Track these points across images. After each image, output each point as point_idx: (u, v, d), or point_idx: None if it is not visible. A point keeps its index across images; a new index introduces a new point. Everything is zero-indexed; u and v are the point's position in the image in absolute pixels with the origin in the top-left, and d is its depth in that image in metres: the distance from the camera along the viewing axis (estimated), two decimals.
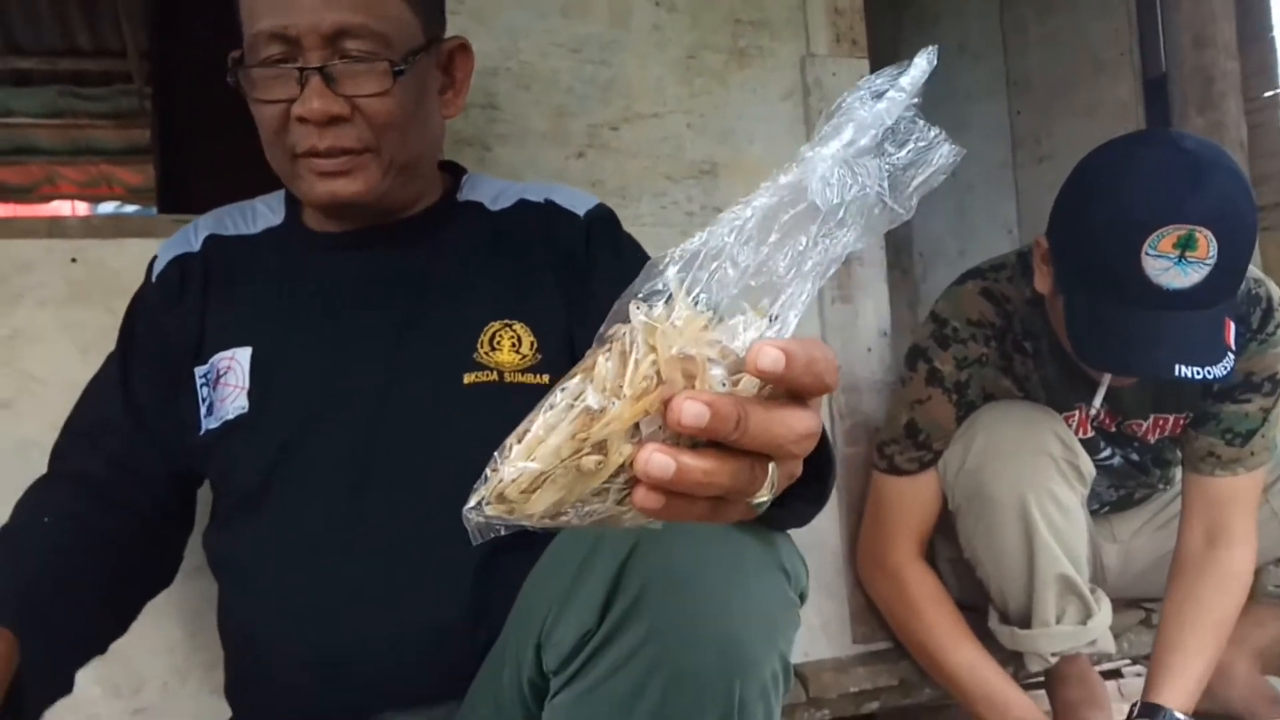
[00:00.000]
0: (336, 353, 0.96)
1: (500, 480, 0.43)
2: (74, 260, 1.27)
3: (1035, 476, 1.33)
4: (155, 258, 1.04)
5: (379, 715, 0.92)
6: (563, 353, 0.97)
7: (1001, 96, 2.62)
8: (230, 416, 0.95)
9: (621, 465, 0.43)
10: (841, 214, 0.45)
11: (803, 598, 0.76)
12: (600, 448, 0.42)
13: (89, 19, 3.61)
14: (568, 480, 0.43)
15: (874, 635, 1.55)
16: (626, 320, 0.45)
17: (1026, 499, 1.33)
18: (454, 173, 1.12)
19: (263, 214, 1.07)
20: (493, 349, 0.95)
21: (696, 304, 0.45)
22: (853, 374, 1.62)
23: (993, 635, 1.42)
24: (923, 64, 0.49)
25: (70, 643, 0.86)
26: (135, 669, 1.25)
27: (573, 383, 0.44)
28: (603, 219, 1.06)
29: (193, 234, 1.04)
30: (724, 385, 0.42)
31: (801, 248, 0.45)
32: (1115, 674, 1.89)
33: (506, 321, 0.96)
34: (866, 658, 1.54)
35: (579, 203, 1.07)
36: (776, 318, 0.44)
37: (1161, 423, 1.45)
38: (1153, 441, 1.48)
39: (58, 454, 0.97)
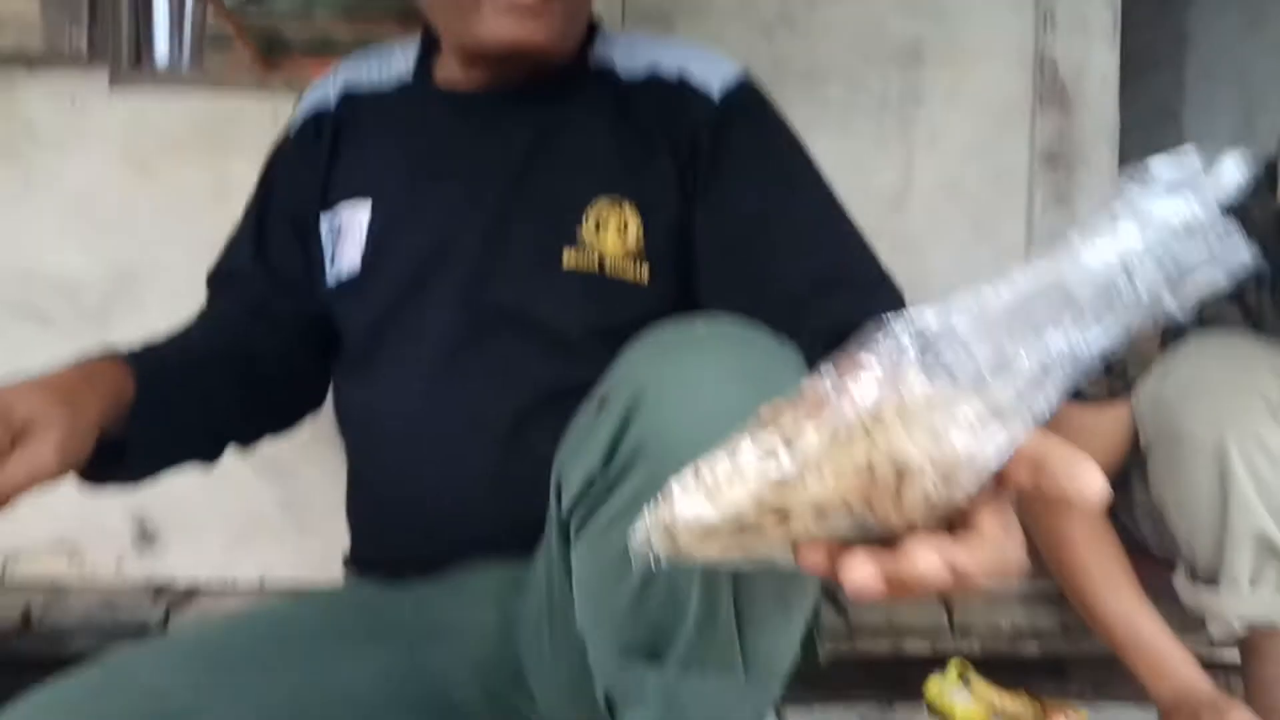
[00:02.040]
0: (444, 218, 0.98)
1: (673, 518, 0.43)
2: (274, 115, 1.39)
3: (1242, 416, 1.13)
4: (296, 108, 1.10)
5: (473, 561, 0.97)
6: (671, 246, 0.93)
7: None
8: (344, 277, 1.01)
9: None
10: (1110, 316, 0.42)
11: None
12: (782, 514, 0.41)
13: None
14: (743, 537, 0.42)
15: (1043, 572, 1.41)
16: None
17: (1226, 441, 1.13)
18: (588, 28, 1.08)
19: (398, 62, 1.08)
20: (598, 230, 0.93)
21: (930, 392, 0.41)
22: None
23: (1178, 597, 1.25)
24: (1234, 174, 0.43)
25: (179, 420, 0.91)
26: (305, 490, 1.40)
27: (768, 434, 0.42)
28: (741, 100, 0.98)
29: (331, 86, 1.08)
30: (933, 486, 0.39)
31: (1052, 346, 0.41)
32: None
33: (615, 198, 0.94)
34: (1027, 596, 1.41)
35: (715, 78, 0.98)
36: (1005, 418, 0.40)
37: None
38: None
39: (207, 299, 1.06)
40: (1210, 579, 1.20)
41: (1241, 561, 1.16)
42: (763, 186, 0.93)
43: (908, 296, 1.43)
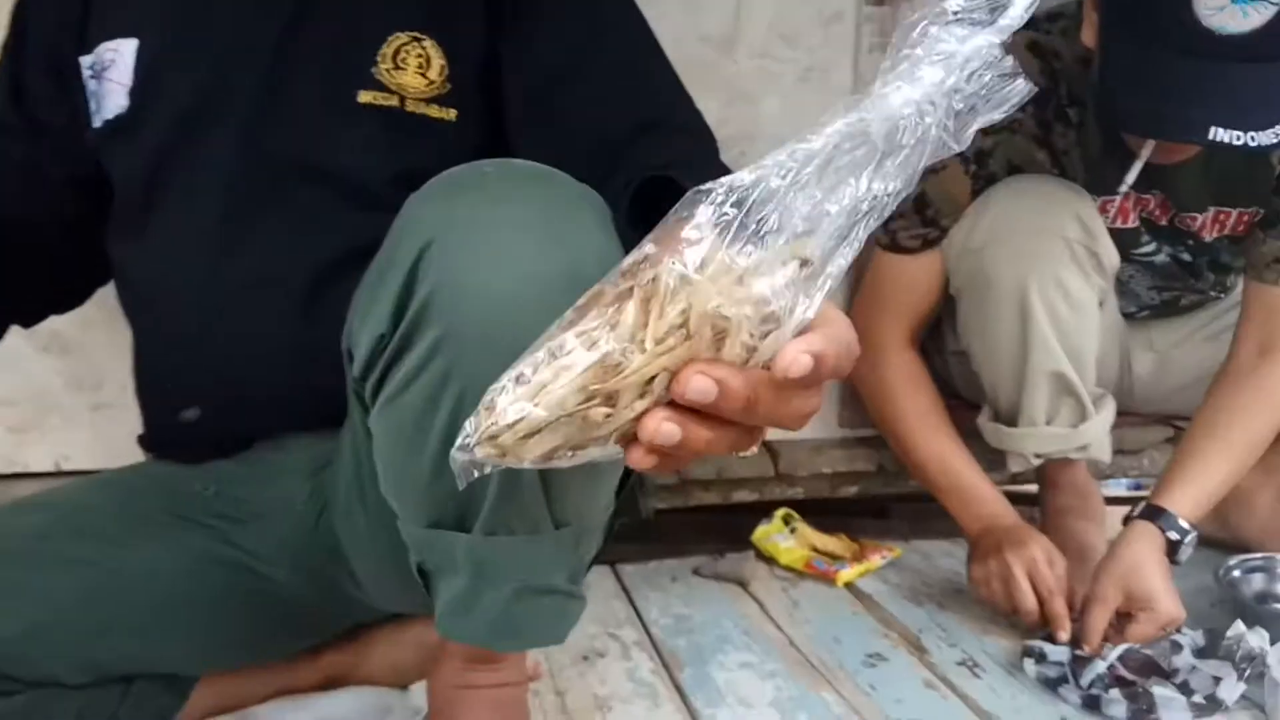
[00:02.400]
0: (222, 50, 0.87)
1: (495, 423, 0.42)
2: None
3: (1043, 260, 1.18)
4: None
5: (277, 436, 0.91)
6: (479, 84, 0.86)
7: None
8: (110, 116, 0.89)
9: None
10: (902, 156, 0.42)
11: None
12: (609, 399, 0.41)
13: None
14: (569, 429, 0.41)
15: (861, 421, 1.46)
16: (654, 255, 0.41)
17: (1028, 284, 1.18)
18: None
19: None
20: (397, 67, 0.85)
21: (737, 250, 0.41)
22: None
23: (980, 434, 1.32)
24: (1020, 9, 0.43)
25: None
26: (97, 366, 1.28)
27: (587, 325, 0.41)
28: None
29: None
30: (751, 336, 0.40)
31: (857, 192, 0.42)
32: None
33: (415, 35, 0.85)
34: (848, 441, 1.46)
35: None
36: (814, 266, 0.41)
37: (1223, 218, 1.26)
38: (1209, 240, 1.28)
39: None
40: (1011, 420, 1.27)
41: (1039, 400, 1.23)
42: (574, 25, 0.86)
43: (738, 145, 1.42)
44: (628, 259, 0.42)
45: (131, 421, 0.98)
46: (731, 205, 0.41)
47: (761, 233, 0.41)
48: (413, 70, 0.85)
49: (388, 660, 1.06)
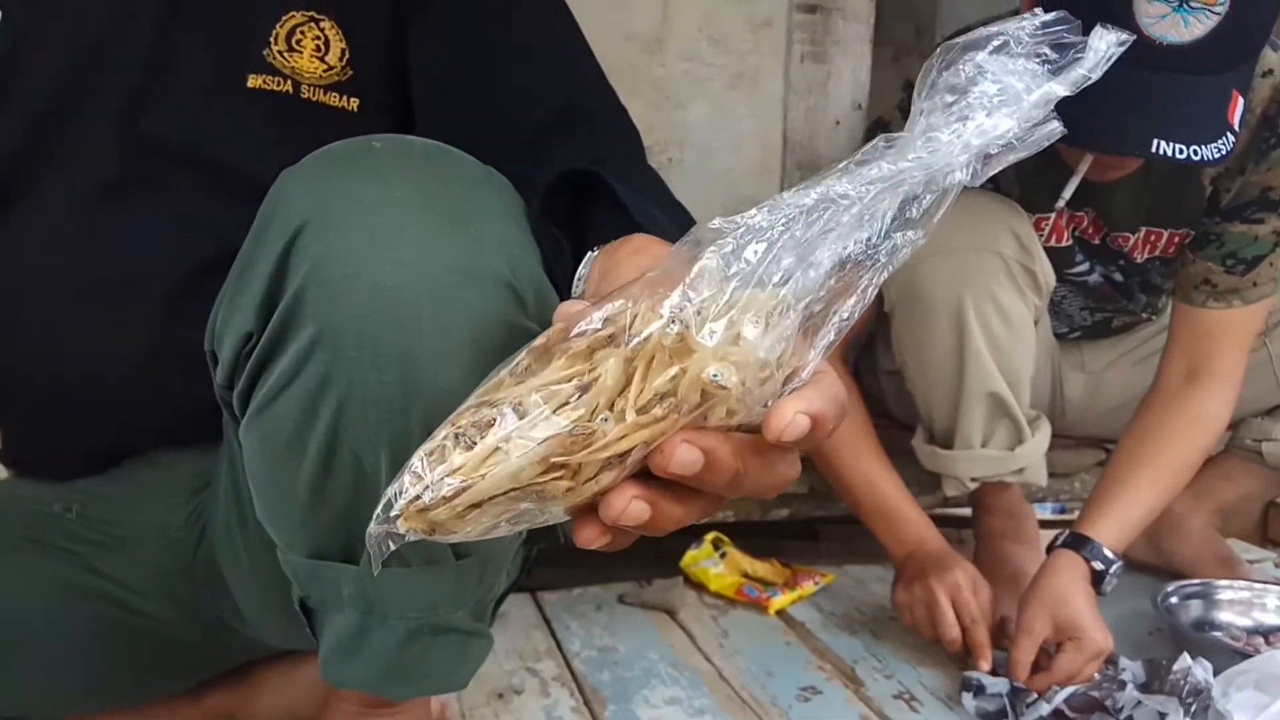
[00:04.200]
0: (94, 27, 0.78)
1: (425, 495, 0.35)
2: None
3: (978, 277, 1.14)
4: None
5: (150, 452, 0.82)
6: (382, 69, 0.78)
7: None
8: None
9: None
10: (928, 201, 0.38)
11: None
12: (573, 471, 0.35)
13: None
14: (519, 503, 0.36)
15: None
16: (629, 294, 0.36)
17: (964, 301, 1.14)
18: None
19: None
20: (290, 49, 0.77)
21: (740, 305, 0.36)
22: (814, 150, 1.42)
23: (915, 456, 1.28)
24: (1103, 49, 0.38)
25: None
26: None
27: (551, 379, 0.35)
28: None
29: None
30: (737, 402, 0.35)
31: (877, 240, 0.37)
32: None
33: (312, 15, 0.77)
34: None
35: None
36: (815, 320, 0.36)
37: (1154, 238, 1.24)
38: (1140, 260, 1.27)
39: None
40: (946, 442, 1.23)
41: (974, 423, 1.20)
42: (488, 6, 0.80)
43: (667, 151, 1.37)
44: (610, 303, 0.36)
45: None
46: (742, 253, 0.36)
47: (769, 282, 0.36)
48: (309, 53, 0.77)
49: (278, 702, 0.97)
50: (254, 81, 0.76)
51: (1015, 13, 0.45)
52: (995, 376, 1.17)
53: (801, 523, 1.51)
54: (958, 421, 1.20)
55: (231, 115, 0.77)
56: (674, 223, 0.62)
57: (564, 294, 0.56)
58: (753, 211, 0.37)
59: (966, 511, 1.37)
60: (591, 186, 0.59)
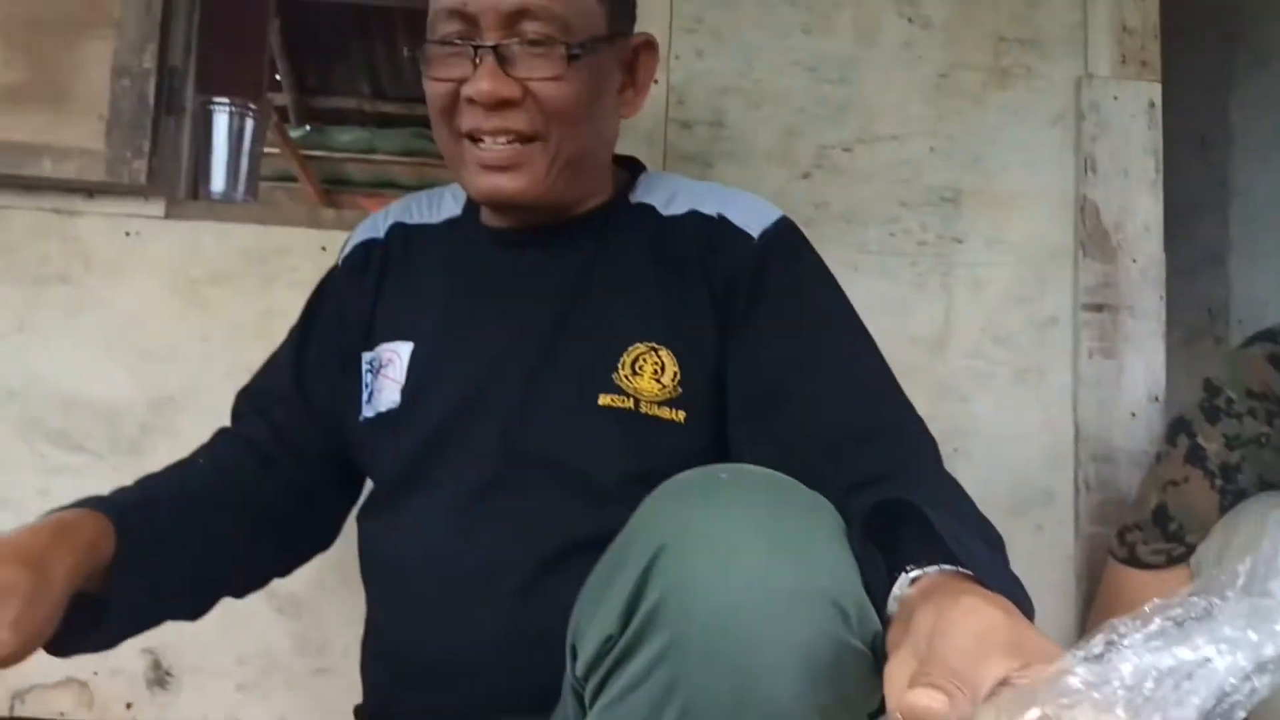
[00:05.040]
0: (487, 356, 0.96)
1: None
2: (323, 249, 1.41)
3: None
4: (347, 240, 1.11)
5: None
6: (708, 388, 0.92)
7: None
8: (383, 409, 0.99)
9: None
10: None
11: (877, 642, 0.64)
12: None
13: None
14: None
15: None
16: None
17: None
18: (632, 169, 1.08)
19: (448, 203, 1.09)
20: (634, 373, 0.91)
21: None
22: (1108, 442, 1.40)
23: None
24: None
25: (163, 574, 0.86)
26: (324, 630, 1.35)
27: None
28: (780, 241, 0.97)
29: (382, 220, 1.09)
30: None
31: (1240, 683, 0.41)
32: None
33: (652, 346, 0.92)
34: None
35: (755, 219, 0.98)
36: None
37: None
38: None
39: (234, 414, 1.06)
40: None
41: None
42: (795, 330, 0.92)
43: (950, 442, 1.40)
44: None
45: (352, 690, 1.01)
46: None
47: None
48: (648, 376, 0.91)
49: None
50: (604, 400, 0.91)
51: None
52: None
53: None
54: None
55: (585, 428, 0.91)
56: (983, 540, 0.67)
57: (878, 604, 0.62)
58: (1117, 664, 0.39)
59: None
60: (904, 504, 0.66)
